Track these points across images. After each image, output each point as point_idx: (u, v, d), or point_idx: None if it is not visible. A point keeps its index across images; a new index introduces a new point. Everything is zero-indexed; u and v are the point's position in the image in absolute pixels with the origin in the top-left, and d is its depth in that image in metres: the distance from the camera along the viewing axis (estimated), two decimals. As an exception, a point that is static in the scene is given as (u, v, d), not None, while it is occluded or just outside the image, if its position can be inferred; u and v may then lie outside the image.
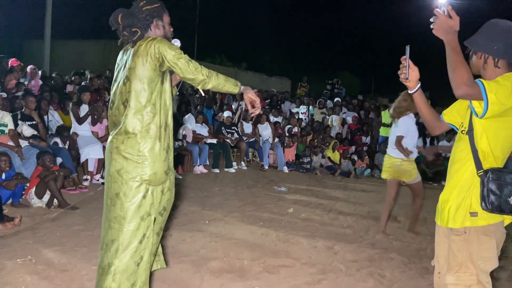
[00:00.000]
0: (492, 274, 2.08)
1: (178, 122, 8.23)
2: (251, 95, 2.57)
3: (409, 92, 2.22)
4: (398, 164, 4.92)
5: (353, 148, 11.13)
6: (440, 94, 10.58)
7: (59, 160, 5.99)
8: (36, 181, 5.18)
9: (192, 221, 4.99)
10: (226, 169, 8.58)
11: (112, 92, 2.52)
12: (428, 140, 10.92)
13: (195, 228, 4.72)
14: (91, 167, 6.52)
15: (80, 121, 6.76)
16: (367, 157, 10.67)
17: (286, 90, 17.14)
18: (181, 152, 7.80)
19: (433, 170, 9.62)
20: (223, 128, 9.39)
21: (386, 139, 10.20)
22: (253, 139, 9.61)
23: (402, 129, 4.91)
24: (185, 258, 3.78)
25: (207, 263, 3.70)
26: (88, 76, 9.71)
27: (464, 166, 2.09)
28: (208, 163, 8.56)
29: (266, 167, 9.33)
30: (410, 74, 2.12)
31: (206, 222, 5.03)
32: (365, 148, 11.20)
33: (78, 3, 19.00)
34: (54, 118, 7.20)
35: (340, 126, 11.93)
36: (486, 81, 1.93)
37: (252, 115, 2.74)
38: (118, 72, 2.52)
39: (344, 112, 12.59)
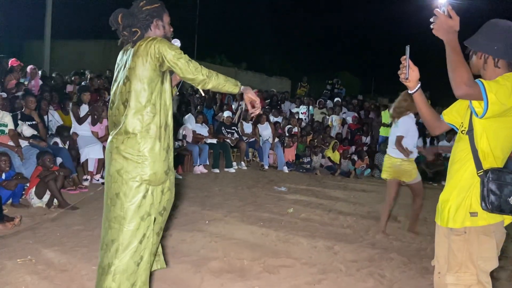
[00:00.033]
0: (492, 274, 2.09)
1: (178, 122, 8.23)
2: (251, 95, 2.57)
3: (409, 92, 2.22)
4: (398, 164, 4.92)
5: (353, 148, 11.13)
6: (440, 94, 10.58)
7: (59, 160, 5.99)
8: (36, 181, 5.18)
9: (192, 221, 4.99)
10: (226, 169, 8.58)
11: (112, 92, 2.52)
12: (428, 140, 10.92)
13: (195, 228, 4.72)
14: (91, 167, 6.52)
15: (80, 121, 6.77)
16: (367, 157, 10.68)
17: (286, 90, 17.13)
18: (181, 152, 7.80)
19: (433, 170, 9.62)
20: (223, 128, 9.39)
21: (386, 139, 10.20)
22: (253, 139, 9.61)
23: (402, 129, 4.91)
24: (185, 258, 3.78)
25: (207, 263, 3.69)
26: (88, 76, 9.71)
27: (464, 166, 2.09)
28: (208, 163, 8.56)
29: (266, 167, 9.33)
30: (410, 74, 2.12)
31: (206, 222, 5.03)
32: (365, 148, 11.20)
33: (78, 3, 19.01)
34: (54, 118, 7.20)
35: (340, 126, 11.93)
36: (486, 81, 1.93)
37: (252, 115, 2.74)
38: (118, 72, 2.52)
39: (344, 112, 12.59)
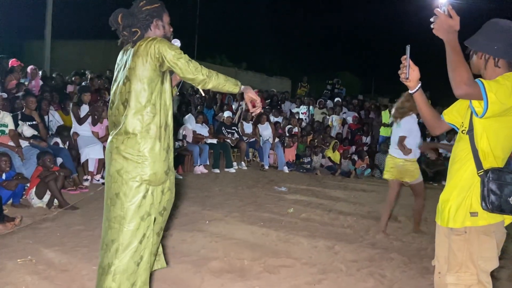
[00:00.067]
0: (493, 274, 2.08)
1: (178, 122, 8.23)
2: (251, 94, 2.57)
3: (410, 92, 2.22)
4: (401, 164, 4.92)
5: (353, 148, 11.13)
6: (440, 94, 10.57)
7: (59, 160, 5.99)
8: (36, 181, 5.18)
9: (193, 221, 4.99)
10: (226, 169, 8.58)
11: (112, 92, 2.52)
12: (428, 140, 10.92)
13: (196, 228, 4.72)
14: (92, 167, 6.52)
15: (81, 121, 6.77)
16: (367, 157, 10.68)
17: (286, 90, 17.13)
18: (181, 152, 7.80)
19: (434, 170, 9.62)
20: (223, 128, 9.39)
21: (386, 139, 10.24)
22: (253, 139, 9.61)
23: (405, 130, 4.91)
24: (186, 258, 3.78)
25: (207, 263, 3.70)
26: (89, 76, 9.71)
27: (464, 166, 2.09)
28: (208, 163, 8.56)
29: (267, 167, 9.33)
30: (410, 73, 2.11)
31: (207, 222, 5.03)
32: (365, 148, 11.21)
33: (78, 3, 18.99)
34: (55, 118, 7.20)
35: (340, 126, 11.93)
36: (486, 80, 1.93)
37: (252, 114, 2.74)
38: (118, 72, 2.52)
39: (345, 112, 12.59)
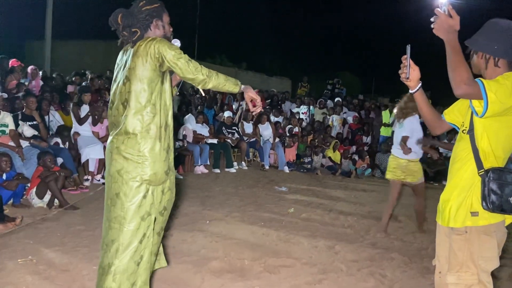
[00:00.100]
0: (493, 274, 2.08)
1: (178, 122, 8.23)
2: (251, 93, 2.57)
3: (410, 91, 2.21)
4: (404, 164, 4.92)
5: (353, 148, 11.12)
6: (440, 93, 10.56)
7: (60, 160, 5.99)
8: (37, 181, 5.18)
9: (193, 221, 4.99)
10: (226, 169, 8.58)
11: (111, 92, 2.52)
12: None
13: (196, 228, 4.72)
14: (92, 167, 6.53)
15: (81, 121, 6.77)
16: (367, 157, 10.67)
17: (286, 90, 17.13)
18: (182, 152, 7.80)
19: (434, 170, 9.61)
20: (223, 128, 9.39)
21: (386, 139, 10.24)
22: (253, 139, 9.61)
23: (407, 130, 4.91)
24: (186, 258, 3.78)
25: (207, 263, 3.70)
26: (89, 77, 9.71)
27: (465, 166, 2.09)
28: (208, 163, 8.56)
29: (267, 167, 9.33)
30: (411, 73, 2.11)
31: (207, 222, 5.03)
32: (365, 148, 11.20)
33: (78, 3, 18.99)
34: (55, 119, 7.21)
35: (340, 126, 11.92)
36: (486, 80, 1.94)
37: (253, 113, 2.74)
38: (118, 72, 2.52)
39: (345, 112, 12.58)
